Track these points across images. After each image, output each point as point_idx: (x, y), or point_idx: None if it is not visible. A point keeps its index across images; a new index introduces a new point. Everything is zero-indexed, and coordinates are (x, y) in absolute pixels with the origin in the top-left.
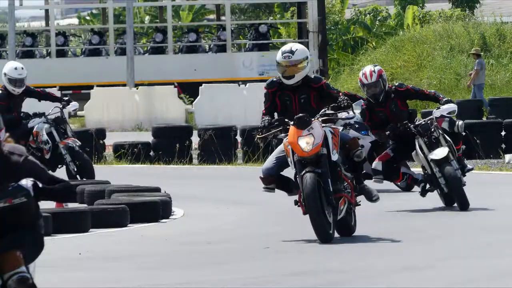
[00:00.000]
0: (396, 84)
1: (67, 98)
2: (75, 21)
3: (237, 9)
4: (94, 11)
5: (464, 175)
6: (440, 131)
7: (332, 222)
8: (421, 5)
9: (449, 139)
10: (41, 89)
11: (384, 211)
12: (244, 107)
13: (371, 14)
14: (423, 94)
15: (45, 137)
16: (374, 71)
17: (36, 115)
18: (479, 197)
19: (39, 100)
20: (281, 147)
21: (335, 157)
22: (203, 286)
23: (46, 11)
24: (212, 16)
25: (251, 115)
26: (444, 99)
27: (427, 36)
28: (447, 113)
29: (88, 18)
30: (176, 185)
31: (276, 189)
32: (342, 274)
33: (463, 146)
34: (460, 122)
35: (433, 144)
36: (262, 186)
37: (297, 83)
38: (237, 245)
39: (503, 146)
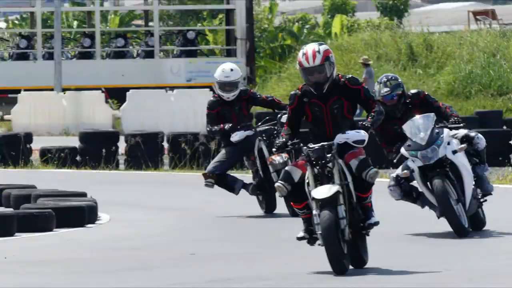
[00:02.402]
0: (348, 76)
1: None
2: (2, 24)
3: (165, 15)
4: (23, 15)
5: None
6: (341, 163)
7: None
8: (350, 14)
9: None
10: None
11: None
12: (171, 113)
13: (300, 22)
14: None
15: None
16: (318, 51)
17: None
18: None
19: None
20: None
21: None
22: None
23: None
24: (140, 22)
25: (178, 121)
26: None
27: (355, 45)
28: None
29: (16, 22)
30: (103, 190)
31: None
32: (267, 281)
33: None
34: (373, 170)
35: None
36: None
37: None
38: (163, 251)
39: None
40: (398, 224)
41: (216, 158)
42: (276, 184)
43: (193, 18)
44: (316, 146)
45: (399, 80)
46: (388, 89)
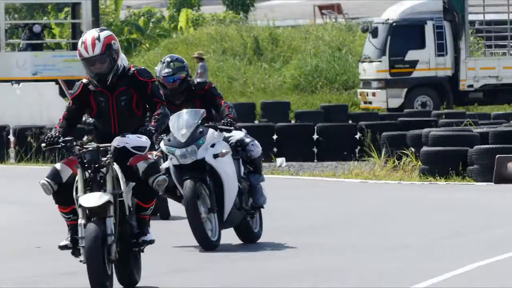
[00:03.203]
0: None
1: None
2: None
3: (12, 8)
4: None
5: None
6: (117, 169)
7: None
8: (196, 8)
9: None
10: None
11: None
12: (17, 106)
13: (145, 16)
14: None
15: None
16: (98, 38)
17: None
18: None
19: None
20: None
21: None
22: None
23: None
24: None
25: (24, 115)
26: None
27: (200, 39)
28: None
29: None
30: None
31: None
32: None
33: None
34: (161, 177)
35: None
36: None
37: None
38: (8, 244)
39: (275, 149)
40: None
41: None
42: (41, 182)
43: (39, 12)
44: (90, 147)
45: (185, 63)
46: (170, 70)
